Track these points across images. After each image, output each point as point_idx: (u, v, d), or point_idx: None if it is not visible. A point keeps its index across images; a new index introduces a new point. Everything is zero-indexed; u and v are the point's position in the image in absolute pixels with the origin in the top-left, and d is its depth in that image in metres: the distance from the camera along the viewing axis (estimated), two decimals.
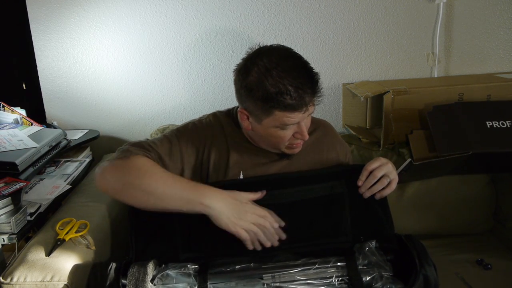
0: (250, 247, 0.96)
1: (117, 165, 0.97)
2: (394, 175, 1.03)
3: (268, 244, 0.96)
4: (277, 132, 0.99)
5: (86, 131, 1.62)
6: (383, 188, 1.01)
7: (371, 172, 1.01)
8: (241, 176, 1.06)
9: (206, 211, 0.94)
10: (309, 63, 0.98)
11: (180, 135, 1.07)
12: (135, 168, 0.95)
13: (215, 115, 1.13)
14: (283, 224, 0.98)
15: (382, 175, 1.01)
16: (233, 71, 1.04)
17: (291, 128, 0.99)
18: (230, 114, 1.14)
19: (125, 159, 0.97)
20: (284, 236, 0.97)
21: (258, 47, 1.01)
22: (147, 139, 1.08)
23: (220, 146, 1.07)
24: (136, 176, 0.94)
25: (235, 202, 0.95)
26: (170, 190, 0.94)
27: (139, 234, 1.00)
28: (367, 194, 1.01)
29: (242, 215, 0.94)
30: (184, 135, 1.07)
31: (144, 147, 1.01)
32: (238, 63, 1.03)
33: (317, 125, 1.17)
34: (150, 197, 0.94)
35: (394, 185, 1.02)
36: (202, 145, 1.07)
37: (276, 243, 0.96)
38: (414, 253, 0.91)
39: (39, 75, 1.62)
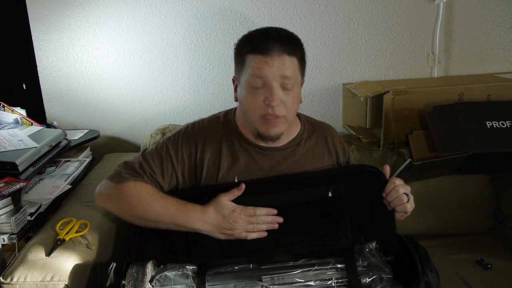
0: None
1: (110, 192, 1.03)
2: (412, 199, 1.02)
3: (269, 228, 1.00)
4: (249, 95, 1.00)
5: (86, 131, 1.62)
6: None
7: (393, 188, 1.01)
8: (236, 180, 1.06)
9: (201, 232, 0.99)
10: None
11: (171, 146, 1.07)
12: (127, 198, 1.00)
13: (211, 120, 1.12)
14: (274, 211, 1.01)
15: (403, 192, 1.00)
16: None
17: (261, 90, 0.98)
18: (227, 116, 1.12)
19: (117, 186, 1.01)
20: (280, 220, 1.00)
21: None
22: (145, 149, 1.10)
23: (213, 151, 1.07)
24: (129, 206, 1.00)
25: (222, 218, 0.98)
26: (162, 218, 0.99)
27: (140, 237, 1.00)
28: (391, 206, 1.01)
29: (233, 225, 0.98)
30: (175, 146, 1.07)
31: (135, 170, 1.03)
32: None
33: (316, 128, 1.16)
34: (146, 222, 1.01)
35: (410, 207, 1.01)
36: (194, 151, 1.07)
37: (275, 225, 1.00)
38: (416, 258, 0.91)
39: (39, 75, 1.62)
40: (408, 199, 1.00)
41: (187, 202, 1.00)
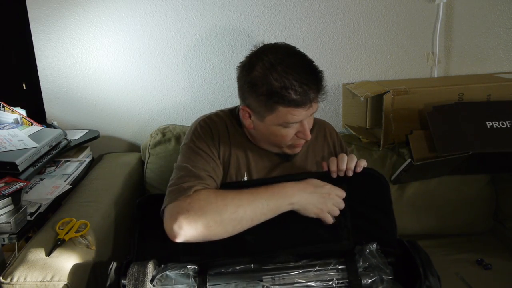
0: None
1: (188, 209, 0.90)
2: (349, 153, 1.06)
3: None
4: (280, 131, 0.99)
5: (86, 131, 1.62)
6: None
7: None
8: (245, 178, 1.07)
9: (294, 209, 0.96)
10: (313, 61, 0.99)
11: (199, 143, 1.04)
12: (211, 205, 0.91)
13: (218, 114, 1.13)
14: (344, 194, 0.99)
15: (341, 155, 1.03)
16: (237, 68, 1.03)
17: (294, 126, 0.98)
18: (232, 113, 1.13)
19: (193, 199, 0.91)
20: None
21: (262, 44, 1.02)
22: (187, 165, 1.00)
23: (224, 144, 1.07)
24: (219, 212, 0.90)
25: (314, 188, 0.96)
26: (258, 207, 0.93)
27: (141, 236, 1.00)
28: (349, 173, 1.01)
29: (326, 199, 0.96)
30: (201, 141, 1.05)
31: (199, 177, 0.96)
32: (240, 61, 1.03)
33: (314, 125, 1.15)
34: (242, 223, 0.92)
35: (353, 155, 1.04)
36: (216, 141, 1.07)
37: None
38: (418, 262, 0.90)
39: (39, 75, 1.62)
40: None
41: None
